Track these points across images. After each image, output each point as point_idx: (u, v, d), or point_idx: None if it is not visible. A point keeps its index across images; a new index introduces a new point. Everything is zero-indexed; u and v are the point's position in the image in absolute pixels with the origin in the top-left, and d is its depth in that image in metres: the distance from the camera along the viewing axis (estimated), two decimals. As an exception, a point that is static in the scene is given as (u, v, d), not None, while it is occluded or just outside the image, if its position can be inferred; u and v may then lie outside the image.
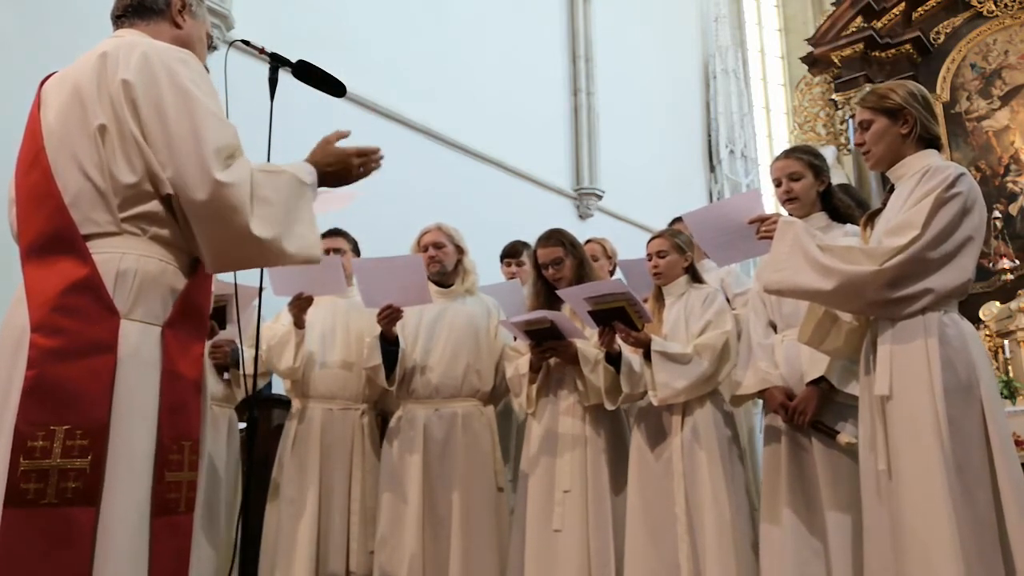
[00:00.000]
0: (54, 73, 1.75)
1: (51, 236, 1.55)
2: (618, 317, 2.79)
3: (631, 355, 2.94)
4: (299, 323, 3.20)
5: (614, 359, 2.93)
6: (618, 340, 2.88)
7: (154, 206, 1.60)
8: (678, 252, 3.09)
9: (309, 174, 1.79)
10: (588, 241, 3.81)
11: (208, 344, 3.09)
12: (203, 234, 1.61)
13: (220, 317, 2.83)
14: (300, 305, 3.16)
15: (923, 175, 2.17)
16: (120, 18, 1.82)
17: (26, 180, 1.64)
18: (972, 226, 2.13)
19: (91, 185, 1.57)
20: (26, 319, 1.50)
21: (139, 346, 1.54)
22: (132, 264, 1.56)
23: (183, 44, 1.79)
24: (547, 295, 3.18)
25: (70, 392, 1.45)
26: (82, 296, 1.51)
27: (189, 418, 1.60)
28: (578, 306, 2.86)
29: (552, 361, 3.10)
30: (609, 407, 2.99)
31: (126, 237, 1.58)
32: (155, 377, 1.55)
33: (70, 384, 1.45)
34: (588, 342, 3.05)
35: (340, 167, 1.87)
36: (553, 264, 3.16)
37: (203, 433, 1.66)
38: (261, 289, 2.41)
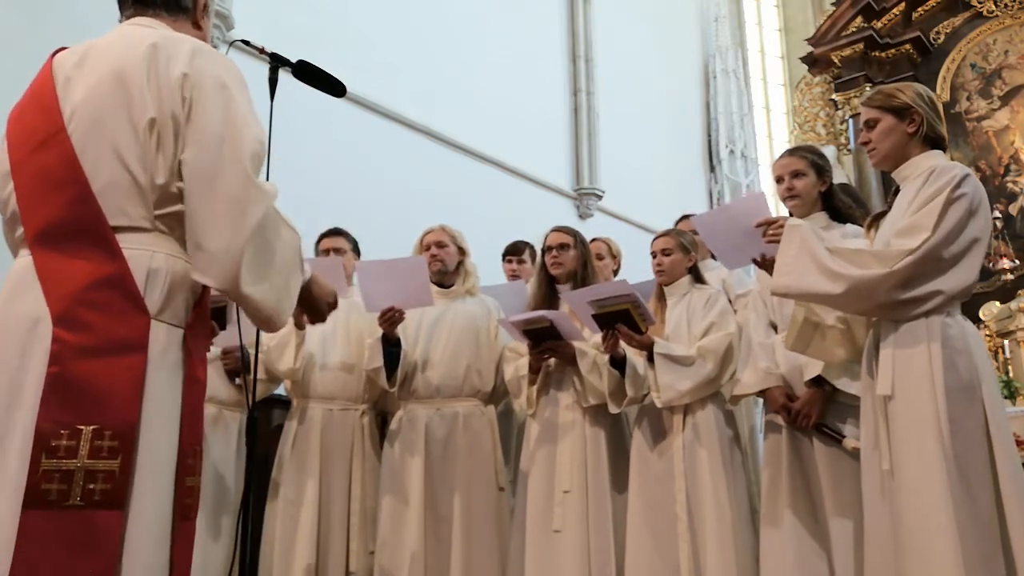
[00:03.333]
0: (63, 49, 1.67)
1: (73, 224, 1.47)
2: (622, 320, 2.79)
3: (635, 358, 2.94)
4: (299, 324, 3.19)
5: (618, 363, 2.93)
6: (622, 344, 2.88)
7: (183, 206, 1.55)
8: (683, 252, 3.09)
9: (308, 268, 1.75)
10: (594, 240, 3.82)
11: (218, 349, 3.11)
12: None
13: (220, 317, 2.82)
14: (300, 306, 3.15)
15: (929, 176, 2.17)
16: (141, 3, 1.71)
17: (35, 158, 1.52)
18: (979, 227, 2.13)
19: (129, 177, 1.50)
20: (35, 310, 1.42)
21: (167, 348, 1.49)
22: (162, 264, 1.51)
23: None
24: (549, 287, 3.21)
25: (98, 391, 1.39)
26: (111, 292, 1.44)
27: (201, 422, 1.57)
28: (581, 309, 2.86)
29: (551, 362, 3.10)
30: (613, 410, 2.99)
31: (157, 235, 1.53)
32: (179, 380, 1.51)
33: (98, 383, 1.39)
34: (586, 343, 3.05)
35: (325, 296, 1.83)
36: (559, 247, 3.18)
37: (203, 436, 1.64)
38: None
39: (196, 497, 1.54)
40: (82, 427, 1.36)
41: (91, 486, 1.35)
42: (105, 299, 1.43)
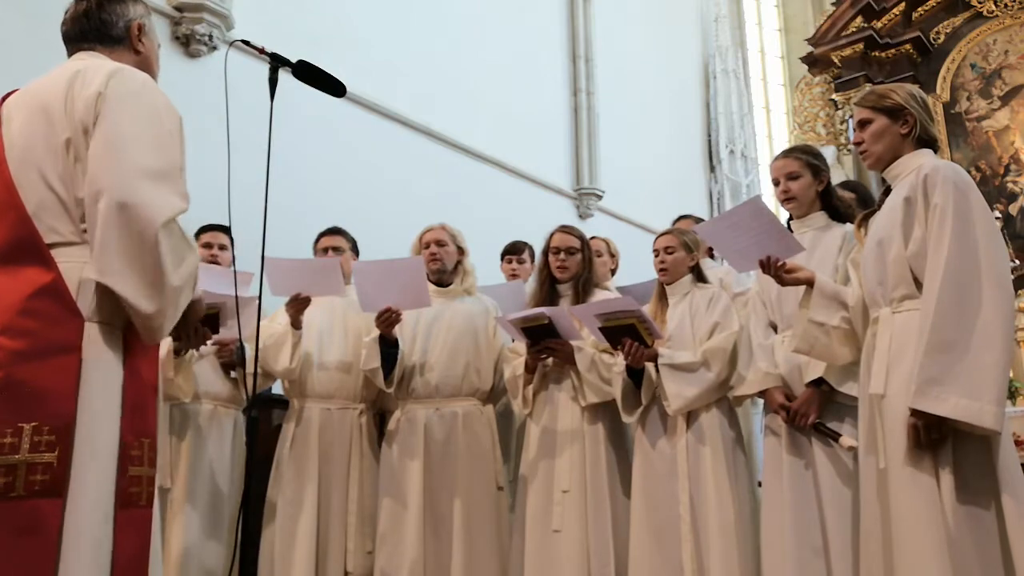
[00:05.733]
0: (14, 91, 1.81)
1: (15, 245, 1.63)
2: (628, 334, 2.82)
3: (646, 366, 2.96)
4: (296, 323, 3.19)
5: (635, 373, 2.95)
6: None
7: None
8: (685, 250, 3.10)
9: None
10: (593, 238, 3.83)
11: (210, 344, 3.10)
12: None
13: (213, 324, 2.81)
14: (297, 306, 3.16)
15: (916, 173, 2.16)
16: (78, 41, 1.86)
17: None
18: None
19: (54, 196, 1.66)
20: None
21: (103, 347, 1.62)
22: (93, 273, 1.63)
23: (143, 68, 1.87)
24: (551, 287, 3.22)
25: (37, 391, 1.52)
26: (47, 300, 1.58)
27: (148, 416, 1.68)
28: (589, 322, 2.88)
29: (549, 361, 3.11)
30: (626, 419, 3.00)
31: (86, 247, 1.65)
32: (118, 377, 1.63)
33: (36, 383, 1.53)
34: (584, 341, 3.06)
35: (198, 314, 1.87)
36: (567, 251, 3.20)
37: (159, 432, 1.76)
38: (260, 297, 2.42)
39: (147, 486, 1.65)
40: (23, 424, 1.50)
41: (32, 477, 1.49)
42: (42, 307, 1.58)
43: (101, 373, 1.60)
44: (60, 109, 1.68)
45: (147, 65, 1.90)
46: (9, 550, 1.45)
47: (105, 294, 1.63)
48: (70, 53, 1.87)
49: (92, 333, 1.61)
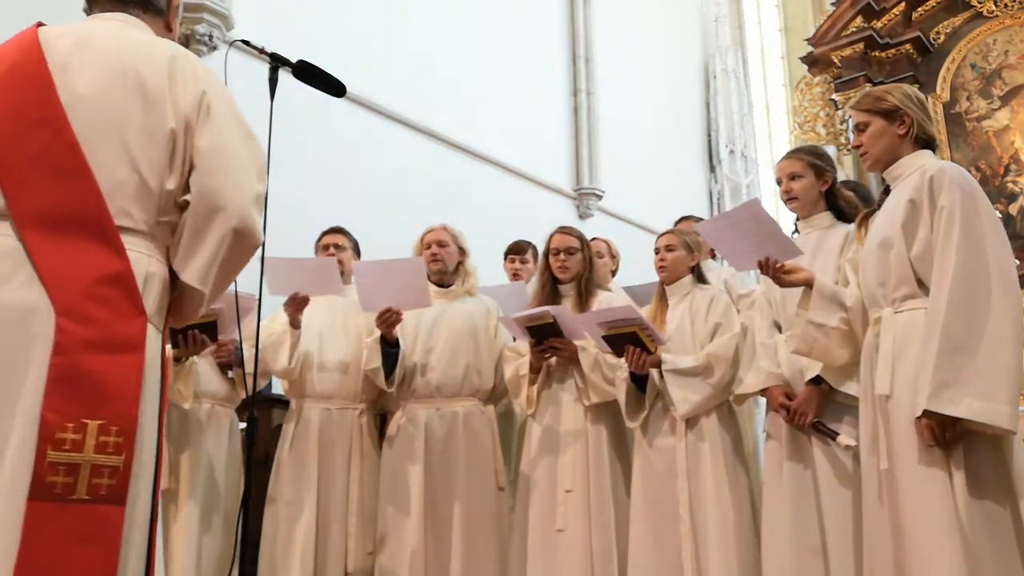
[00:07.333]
0: (42, 24, 1.64)
1: (76, 216, 1.46)
2: (630, 341, 2.83)
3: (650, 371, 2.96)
4: (295, 323, 3.19)
5: (639, 379, 2.94)
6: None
7: (177, 216, 1.60)
8: (686, 250, 3.10)
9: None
10: (594, 239, 3.83)
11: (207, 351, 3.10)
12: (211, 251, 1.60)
13: (211, 331, 2.79)
14: (296, 305, 3.15)
15: (920, 174, 2.16)
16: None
17: (26, 136, 1.48)
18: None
19: (139, 179, 1.53)
20: (30, 298, 1.39)
21: (155, 350, 1.52)
22: (156, 269, 1.56)
23: None
24: (552, 288, 3.22)
25: (104, 386, 1.39)
26: (116, 290, 1.45)
27: (163, 422, 1.59)
28: (592, 331, 2.89)
29: (552, 361, 3.10)
30: (630, 424, 3.00)
31: (152, 240, 1.56)
32: (158, 381, 1.53)
33: (104, 378, 1.39)
34: (588, 341, 3.06)
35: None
36: (566, 252, 3.20)
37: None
38: (260, 299, 2.42)
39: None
40: (88, 421, 1.36)
41: (97, 480, 1.36)
42: (111, 296, 1.45)
43: (154, 377, 1.50)
44: (162, 93, 1.56)
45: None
46: (68, 562, 1.31)
47: (163, 296, 1.57)
48: (99, 6, 1.73)
49: (151, 334, 1.50)
